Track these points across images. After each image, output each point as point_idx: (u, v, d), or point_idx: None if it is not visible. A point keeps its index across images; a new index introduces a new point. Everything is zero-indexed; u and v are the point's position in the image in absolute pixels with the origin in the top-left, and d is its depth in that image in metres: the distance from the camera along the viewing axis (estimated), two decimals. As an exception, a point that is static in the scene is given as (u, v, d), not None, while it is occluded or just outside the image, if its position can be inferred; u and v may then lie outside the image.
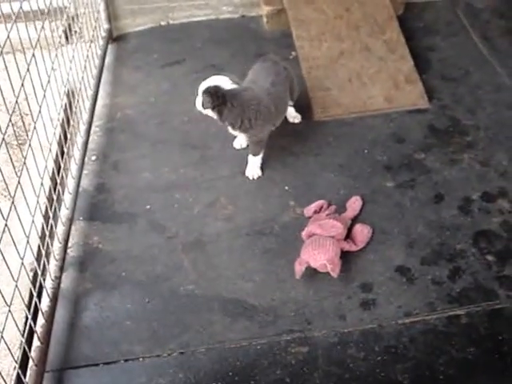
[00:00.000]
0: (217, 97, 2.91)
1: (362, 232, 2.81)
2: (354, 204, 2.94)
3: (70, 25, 3.63)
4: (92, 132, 3.36)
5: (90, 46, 3.52)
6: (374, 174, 3.12)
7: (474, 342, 2.47)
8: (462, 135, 3.32)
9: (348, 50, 3.73)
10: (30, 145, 2.49)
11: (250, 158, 3.15)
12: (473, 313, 2.56)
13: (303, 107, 3.45)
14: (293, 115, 3.40)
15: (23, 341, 2.26)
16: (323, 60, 3.68)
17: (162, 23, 4.19)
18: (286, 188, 3.08)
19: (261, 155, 3.14)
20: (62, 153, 2.94)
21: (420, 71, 3.63)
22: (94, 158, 3.27)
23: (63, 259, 2.69)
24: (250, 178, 3.15)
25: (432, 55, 3.85)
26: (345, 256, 2.71)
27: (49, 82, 2.75)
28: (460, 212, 2.94)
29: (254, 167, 3.16)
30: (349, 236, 2.80)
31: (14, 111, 2.31)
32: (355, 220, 2.89)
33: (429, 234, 2.85)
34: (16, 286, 2.20)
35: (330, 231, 2.71)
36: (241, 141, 3.28)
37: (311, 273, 2.67)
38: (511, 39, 3.98)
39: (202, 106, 2.96)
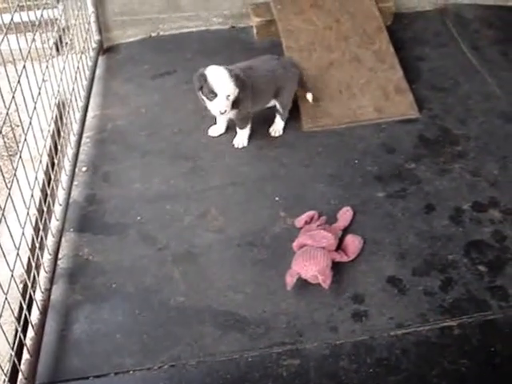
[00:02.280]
0: (240, 78, 3.10)
1: (353, 243, 2.80)
2: (345, 215, 2.94)
3: (60, 36, 3.63)
4: (82, 143, 3.35)
5: (80, 58, 3.52)
6: (365, 185, 3.12)
7: (466, 353, 2.46)
8: (453, 145, 3.33)
9: (337, 61, 3.74)
10: (20, 156, 2.48)
11: (238, 131, 3.37)
12: (465, 324, 2.56)
13: (293, 118, 3.46)
14: (275, 127, 3.43)
15: (13, 354, 2.24)
16: (313, 70, 3.68)
17: (153, 34, 4.20)
18: (277, 199, 3.07)
19: (247, 128, 3.34)
20: (53, 164, 2.93)
21: (410, 81, 3.64)
22: (84, 169, 3.26)
23: (53, 271, 2.67)
24: (236, 146, 3.37)
25: (422, 65, 3.87)
26: (336, 267, 2.70)
27: (39, 93, 2.74)
28: (451, 222, 2.94)
29: (241, 138, 3.38)
30: (340, 247, 2.79)
31: (4, 123, 2.30)
32: (346, 231, 2.88)
33: (420, 244, 2.85)
34: (6, 298, 2.18)
35: (320, 242, 2.70)
36: (219, 128, 3.41)
37: (302, 284, 2.66)
38: (500, 49, 4.01)
39: (237, 87, 3.07)
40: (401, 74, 3.67)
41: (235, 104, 3.15)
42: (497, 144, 3.33)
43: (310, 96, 3.46)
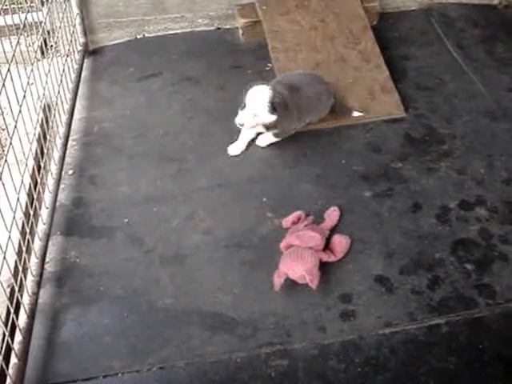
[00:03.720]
0: (281, 107, 3.07)
1: (341, 242, 2.81)
2: (332, 214, 2.94)
3: (45, 39, 3.62)
4: (69, 146, 3.33)
5: (66, 60, 3.51)
6: (352, 184, 3.13)
7: (454, 351, 2.47)
8: (439, 144, 3.34)
9: (323, 61, 3.74)
10: (6, 160, 2.47)
11: (271, 135, 3.29)
12: (453, 322, 2.57)
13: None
14: (264, 138, 3.35)
15: (0, 358, 2.22)
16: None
17: (138, 36, 4.18)
18: (264, 200, 3.07)
19: (279, 139, 3.30)
20: (39, 167, 2.91)
21: (395, 81, 3.65)
22: (71, 172, 3.24)
23: (40, 275, 2.66)
24: (259, 144, 3.32)
25: (407, 64, 3.88)
26: (323, 267, 2.70)
27: (24, 96, 2.73)
28: (438, 221, 2.95)
29: (267, 139, 3.32)
30: (327, 247, 2.79)
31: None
32: (333, 230, 2.89)
33: (407, 243, 2.86)
34: (-8, 302, 2.18)
35: (308, 242, 2.71)
36: (239, 146, 3.33)
37: (290, 284, 2.66)
38: (485, 47, 4.03)
39: (272, 114, 3.06)
40: (386, 73, 3.67)
41: (272, 126, 3.16)
42: (483, 142, 3.35)
43: (356, 113, 3.46)
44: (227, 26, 4.23)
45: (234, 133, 3.37)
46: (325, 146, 3.35)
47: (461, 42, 4.08)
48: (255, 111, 3.07)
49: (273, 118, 3.09)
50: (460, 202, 3.03)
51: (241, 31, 4.12)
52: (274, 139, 3.30)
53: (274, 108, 3.05)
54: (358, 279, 2.72)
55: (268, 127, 3.16)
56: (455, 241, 2.86)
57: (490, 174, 3.17)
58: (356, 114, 3.45)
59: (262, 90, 3.07)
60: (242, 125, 3.12)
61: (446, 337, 2.52)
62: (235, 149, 3.33)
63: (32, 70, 2.90)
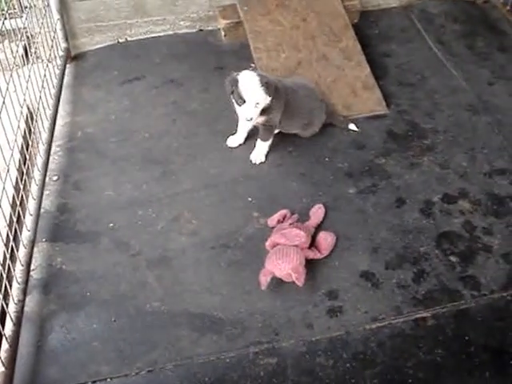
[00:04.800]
0: (272, 86, 3.05)
1: (326, 240, 2.82)
2: (317, 212, 2.95)
3: (25, 46, 3.61)
4: (52, 152, 3.33)
5: (47, 66, 3.50)
6: (336, 182, 3.14)
7: (441, 343, 2.49)
8: (421, 139, 3.36)
9: (305, 60, 3.75)
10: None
11: (259, 142, 3.27)
12: (439, 314, 2.59)
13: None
14: (257, 154, 3.32)
15: (-13, 367, 2.23)
16: (282, 70, 3.69)
17: (120, 40, 4.18)
18: (250, 199, 3.08)
19: (269, 142, 3.26)
20: (22, 174, 2.90)
21: (377, 78, 3.67)
22: (55, 178, 3.24)
23: (26, 282, 2.64)
24: (253, 161, 3.29)
25: (388, 61, 3.90)
26: (310, 264, 2.71)
27: (4, 103, 2.72)
28: (422, 215, 2.97)
29: (260, 152, 3.29)
30: (313, 244, 2.81)
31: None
32: (319, 228, 2.90)
33: (392, 238, 2.87)
34: (-22, 311, 2.17)
35: (293, 240, 2.71)
36: (238, 139, 3.35)
37: (277, 283, 2.67)
38: (466, 43, 4.06)
39: (268, 95, 3.02)
40: (368, 70, 3.69)
41: (265, 110, 3.11)
42: (464, 136, 3.38)
43: (353, 126, 3.44)
44: (209, 28, 4.24)
45: (218, 134, 3.40)
46: (309, 144, 3.36)
47: (441, 37, 4.10)
48: (255, 99, 3.01)
49: (269, 98, 3.04)
50: (443, 196, 3.05)
51: (223, 32, 4.12)
52: (266, 149, 3.28)
53: (267, 88, 3.01)
54: (344, 275, 2.73)
55: (264, 111, 3.09)
56: (439, 234, 2.89)
57: (473, 167, 3.20)
58: (352, 126, 3.43)
59: (249, 77, 3.03)
60: (251, 119, 3.05)
61: (433, 329, 2.54)
62: (233, 141, 3.36)
63: (11, 76, 2.88)
